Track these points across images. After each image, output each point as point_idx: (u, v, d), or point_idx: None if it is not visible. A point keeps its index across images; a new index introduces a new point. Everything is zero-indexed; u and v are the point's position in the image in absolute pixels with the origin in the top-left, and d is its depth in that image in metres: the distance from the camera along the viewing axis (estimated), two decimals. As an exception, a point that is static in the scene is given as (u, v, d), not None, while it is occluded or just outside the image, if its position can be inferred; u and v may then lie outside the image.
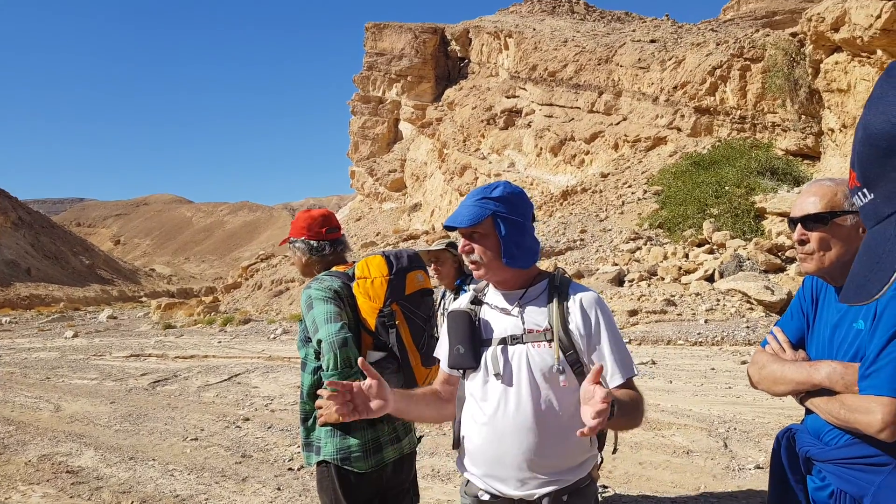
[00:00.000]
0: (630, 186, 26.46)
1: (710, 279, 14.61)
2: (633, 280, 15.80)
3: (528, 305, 1.94)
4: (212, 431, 6.99)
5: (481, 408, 1.93)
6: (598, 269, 17.10)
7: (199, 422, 7.49)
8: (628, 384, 1.86)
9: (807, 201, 1.84)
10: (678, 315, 12.81)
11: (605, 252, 19.26)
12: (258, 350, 14.05)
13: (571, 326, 1.87)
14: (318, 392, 2.55)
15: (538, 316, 1.91)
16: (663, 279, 15.52)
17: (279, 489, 4.97)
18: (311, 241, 2.81)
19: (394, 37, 62.94)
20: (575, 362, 1.86)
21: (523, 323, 1.92)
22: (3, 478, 5.55)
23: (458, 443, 2.04)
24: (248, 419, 7.48)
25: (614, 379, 1.84)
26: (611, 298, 14.36)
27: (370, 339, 2.59)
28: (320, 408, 2.52)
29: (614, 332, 1.89)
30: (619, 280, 16.04)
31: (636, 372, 1.89)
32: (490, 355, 1.92)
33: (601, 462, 2.66)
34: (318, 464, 2.60)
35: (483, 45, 55.91)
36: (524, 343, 1.89)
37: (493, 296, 2.02)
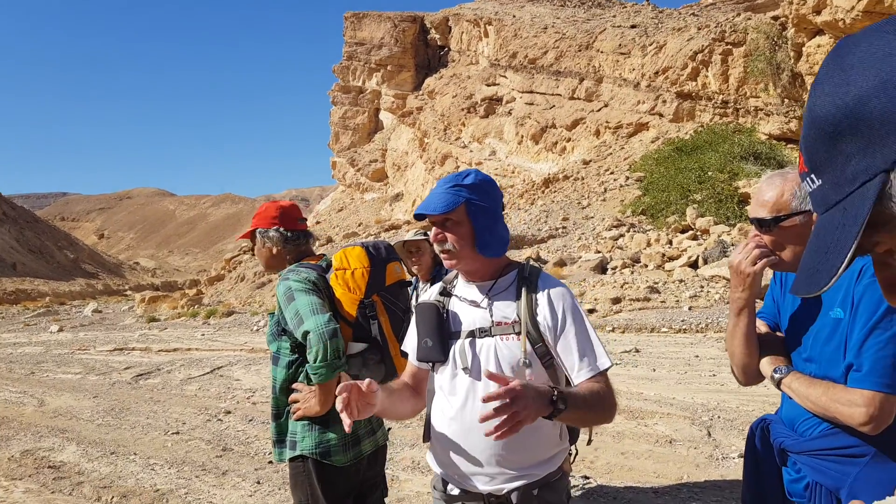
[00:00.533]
0: (612, 173, 26.58)
1: (693, 265, 14.73)
2: (616, 267, 15.89)
3: (497, 298, 1.91)
4: (193, 425, 7.00)
5: (449, 402, 1.91)
6: (580, 257, 17.20)
7: (180, 415, 7.49)
8: (598, 379, 1.80)
9: (758, 201, 1.79)
10: (662, 302, 12.90)
11: (588, 239, 19.35)
12: (241, 342, 14.02)
13: (539, 318, 1.84)
14: (294, 386, 2.58)
15: (507, 308, 1.89)
16: (646, 266, 15.63)
17: (259, 482, 5.00)
18: (287, 231, 2.75)
19: (373, 26, 62.52)
20: (544, 354, 1.84)
21: (491, 315, 1.89)
22: (-16, 475, 5.54)
23: (428, 436, 2.03)
24: (229, 412, 7.49)
25: (581, 373, 1.80)
26: (593, 286, 14.46)
27: (349, 330, 2.56)
28: (295, 402, 2.56)
29: (582, 325, 1.85)
30: (601, 267, 16.14)
31: (608, 363, 1.83)
32: (458, 348, 1.90)
33: (575, 455, 2.67)
34: (293, 459, 2.56)
35: (463, 32, 55.69)
36: (492, 336, 1.87)
37: (462, 287, 1.99)
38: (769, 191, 1.76)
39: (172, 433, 6.68)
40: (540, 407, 1.57)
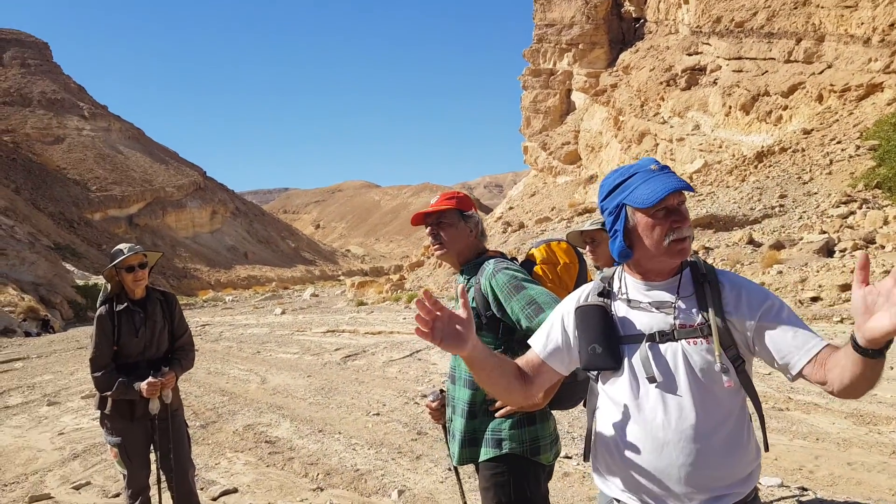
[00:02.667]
0: (839, 143, 23.37)
1: (944, 245, 12.47)
2: (844, 250, 13.96)
3: (679, 298, 1.70)
4: (392, 407, 7.30)
5: (633, 416, 1.70)
6: (801, 239, 15.35)
7: (381, 397, 7.87)
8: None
9: None
10: (902, 288, 11.06)
11: (811, 218, 17.22)
12: (438, 327, 14.51)
13: (729, 317, 1.64)
14: None
15: (689, 309, 1.68)
16: (883, 248, 13.53)
17: (449, 469, 5.03)
18: (480, 223, 2.65)
19: (563, 5, 61.18)
20: (735, 358, 1.64)
21: (674, 318, 1.67)
22: (216, 444, 6.23)
23: (588, 455, 1.83)
24: (425, 395, 7.69)
25: (803, 352, 1.55)
26: (817, 271, 12.82)
27: None
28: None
29: (786, 309, 1.63)
30: (827, 250, 14.26)
31: (825, 342, 1.56)
32: (640, 356, 1.69)
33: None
34: (494, 459, 2.42)
35: (660, 1, 52.44)
36: (677, 340, 1.66)
37: (630, 287, 1.77)
38: None
39: (373, 414, 7.02)
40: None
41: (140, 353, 3.58)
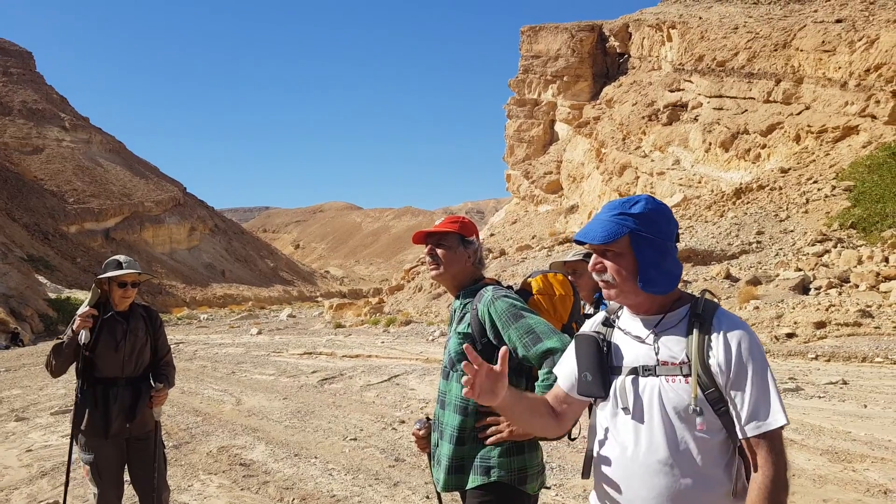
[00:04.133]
0: (815, 182, 23.89)
1: (916, 286, 12.72)
2: (820, 287, 14.20)
3: (665, 334, 1.73)
4: (370, 432, 7.22)
5: (610, 442, 1.77)
6: (777, 275, 15.58)
7: (359, 421, 7.77)
8: (770, 437, 1.58)
9: None
10: (876, 328, 11.26)
11: (787, 255, 17.51)
12: (417, 352, 14.43)
13: (712, 361, 1.64)
14: (483, 409, 2.46)
15: (675, 346, 1.70)
16: (857, 286, 13.78)
17: (427, 497, 4.97)
18: (480, 250, 2.66)
19: (549, 38, 62.31)
20: (717, 401, 1.63)
21: (657, 353, 1.71)
22: (189, 466, 6.09)
23: (587, 473, 1.88)
24: (403, 421, 7.63)
25: (749, 427, 1.59)
26: (793, 308, 13.00)
27: None
28: (489, 424, 2.43)
29: (761, 371, 1.62)
30: (803, 287, 14.50)
31: (784, 420, 1.59)
32: (619, 386, 1.75)
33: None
34: (481, 486, 2.40)
35: (644, 38, 53.61)
36: (657, 376, 1.69)
37: (627, 320, 1.83)
38: None
39: (350, 439, 6.93)
40: None
41: (119, 368, 3.52)
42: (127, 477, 3.67)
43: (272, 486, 5.41)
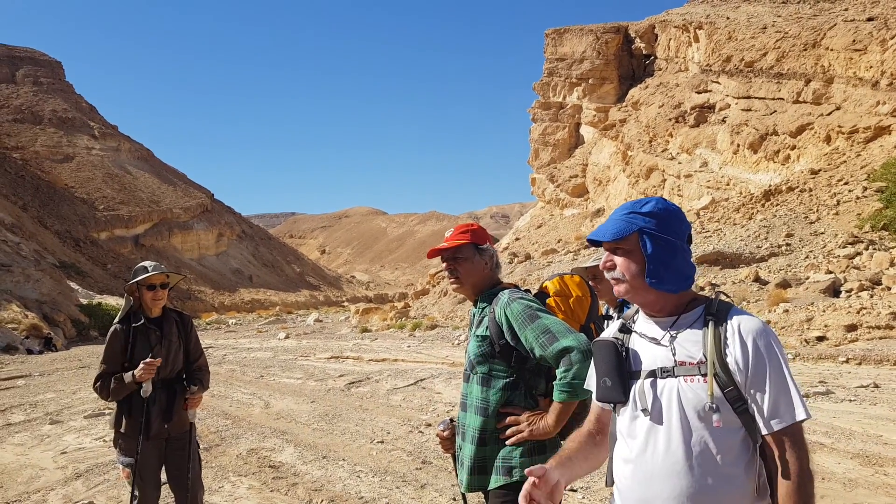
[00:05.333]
0: (846, 184, 23.46)
1: (952, 288, 12.44)
2: (851, 290, 13.95)
3: (681, 334, 1.75)
4: (396, 435, 7.26)
5: (629, 445, 1.78)
6: (807, 278, 15.33)
7: (385, 424, 7.83)
8: (792, 431, 1.62)
9: None
10: (909, 331, 11.04)
11: (817, 258, 17.22)
12: (443, 356, 14.47)
13: (729, 359, 1.66)
14: (507, 409, 2.49)
15: (691, 346, 1.72)
16: (889, 289, 13.51)
17: (454, 499, 4.99)
18: (495, 254, 2.72)
19: (574, 40, 62.07)
20: (736, 399, 1.65)
21: (674, 354, 1.74)
22: (219, 468, 6.20)
23: (610, 481, 1.89)
24: (429, 424, 7.67)
25: (771, 423, 1.62)
26: (823, 311, 12.78)
27: None
28: (508, 426, 2.46)
29: (778, 367, 1.64)
30: (833, 290, 14.24)
31: (805, 415, 1.61)
32: (637, 389, 1.78)
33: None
34: (504, 487, 2.44)
35: (670, 39, 53.16)
36: (675, 377, 1.72)
37: (643, 323, 1.85)
38: None
39: (377, 442, 6.99)
40: None
41: (155, 374, 3.61)
42: (163, 478, 3.76)
43: (301, 487, 5.48)
